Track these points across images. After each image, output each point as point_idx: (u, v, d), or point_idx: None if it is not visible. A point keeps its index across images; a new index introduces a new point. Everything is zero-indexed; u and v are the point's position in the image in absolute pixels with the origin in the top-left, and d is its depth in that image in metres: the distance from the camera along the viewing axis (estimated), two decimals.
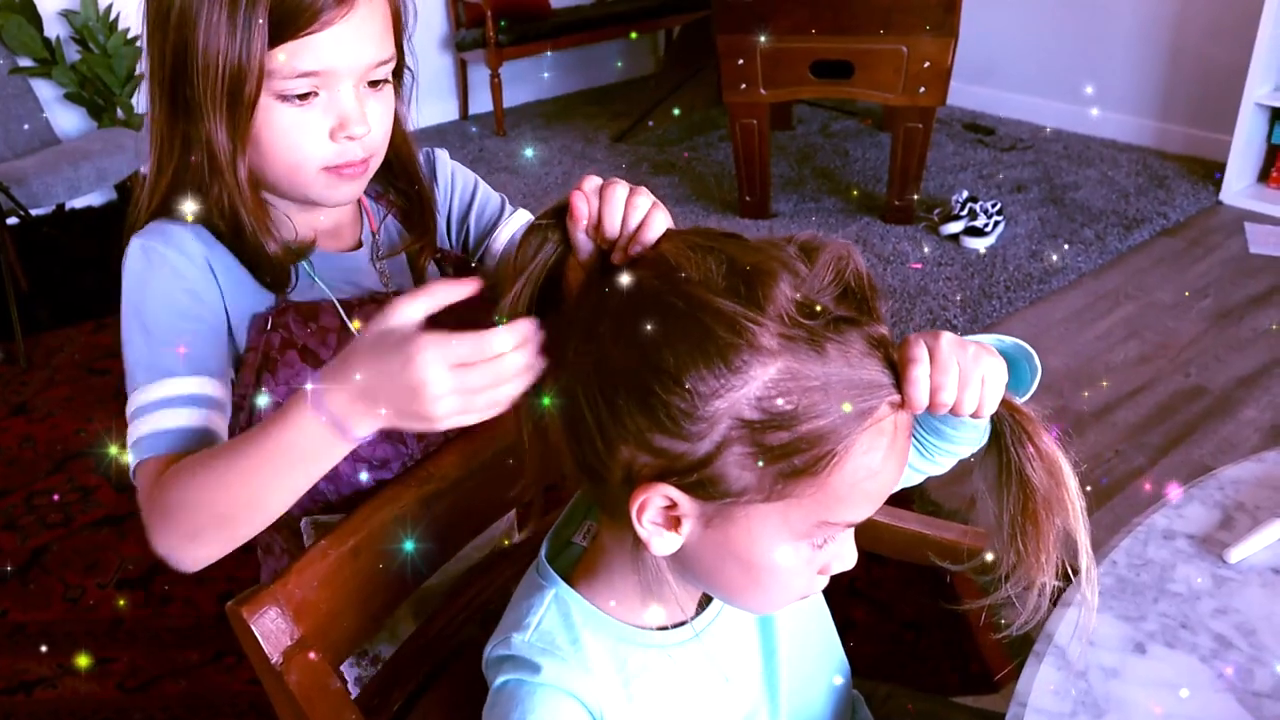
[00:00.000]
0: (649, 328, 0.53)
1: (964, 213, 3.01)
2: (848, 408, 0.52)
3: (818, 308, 0.53)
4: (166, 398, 0.69)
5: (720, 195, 3.44)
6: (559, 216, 0.62)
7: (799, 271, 0.53)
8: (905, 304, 2.68)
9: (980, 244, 2.97)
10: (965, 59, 3.24)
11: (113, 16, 3.49)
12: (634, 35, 4.29)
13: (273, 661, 0.66)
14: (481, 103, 4.48)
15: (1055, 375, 2.33)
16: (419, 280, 0.85)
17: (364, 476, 0.81)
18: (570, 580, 0.64)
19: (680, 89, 3.98)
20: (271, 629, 0.66)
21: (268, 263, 0.75)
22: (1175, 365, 2.37)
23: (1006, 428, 0.57)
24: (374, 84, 0.74)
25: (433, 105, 4.44)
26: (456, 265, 0.91)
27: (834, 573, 0.61)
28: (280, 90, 0.69)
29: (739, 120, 3.05)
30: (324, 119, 0.72)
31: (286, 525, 0.84)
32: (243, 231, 0.73)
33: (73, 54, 3.48)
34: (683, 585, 0.62)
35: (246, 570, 1.85)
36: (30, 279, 2.93)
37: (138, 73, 3.55)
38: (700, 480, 0.53)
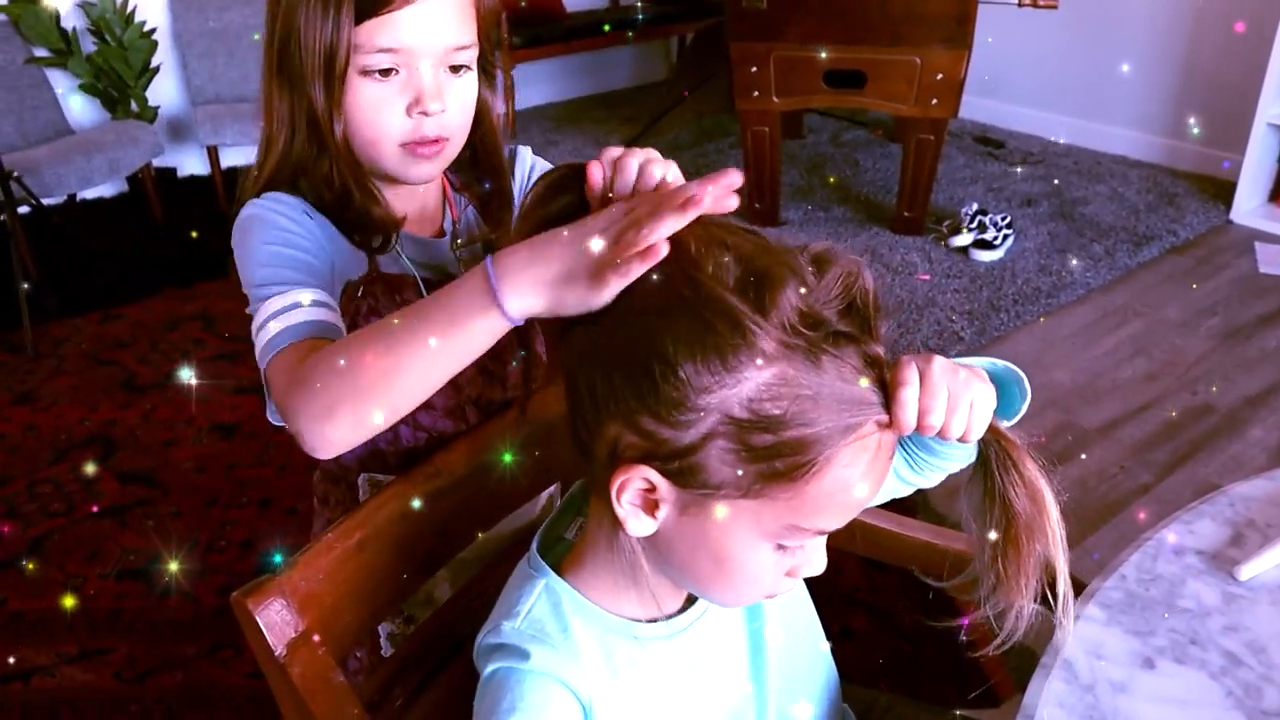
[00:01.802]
0: (654, 310, 0.53)
1: (973, 225, 3.00)
2: (860, 387, 0.53)
3: (820, 320, 0.54)
4: (295, 303, 0.72)
5: None
6: (580, 175, 0.62)
7: (808, 281, 0.54)
8: (913, 315, 2.67)
9: (989, 257, 2.97)
10: (978, 72, 3.24)
11: (130, 9, 3.51)
12: (607, 27, 4.26)
13: (276, 653, 0.66)
14: None
15: (1061, 390, 2.32)
16: None
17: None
18: (560, 572, 0.65)
19: (692, 95, 3.98)
20: (276, 620, 0.66)
21: (375, 221, 0.80)
22: (1182, 383, 2.36)
23: (992, 453, 0.58)
24: (455, 69, 0.79)
25: None
26: None
27: (801, 577, 0.62)
28: (364, 65, 0.76)
29: (750, 127, 3.06)
30: (401, 95, 0.77)
31: (344, 479, 0.91)
32: (349, 194, 0.79)
33: (89, 45, 3.49)
34: (661, 577, 0.63)
35: (247, 564, 1.86)
36: (39, 268, 2.94)
37: (152, 65, 3.57)
38: (681, 469, 0.54)
